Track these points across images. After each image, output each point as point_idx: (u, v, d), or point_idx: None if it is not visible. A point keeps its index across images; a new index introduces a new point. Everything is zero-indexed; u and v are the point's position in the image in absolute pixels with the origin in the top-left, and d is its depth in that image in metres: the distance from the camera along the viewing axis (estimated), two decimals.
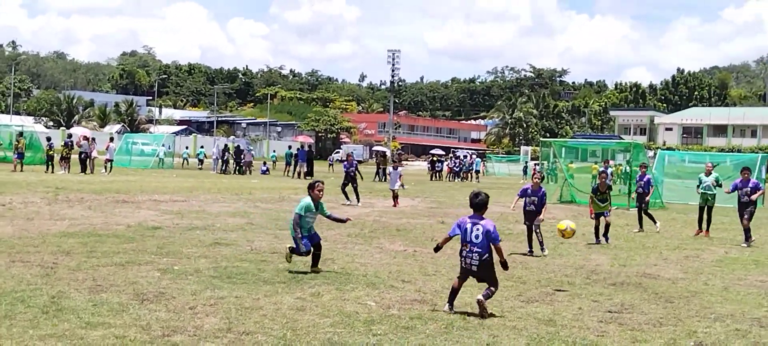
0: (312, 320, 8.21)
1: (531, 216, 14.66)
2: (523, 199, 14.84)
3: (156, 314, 8.15)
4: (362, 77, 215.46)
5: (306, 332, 7.65)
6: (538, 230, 14.55)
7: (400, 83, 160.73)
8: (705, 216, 19.27)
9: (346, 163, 27.35)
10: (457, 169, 56.66)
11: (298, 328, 7.82)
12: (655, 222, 19.85)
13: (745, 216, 17.29)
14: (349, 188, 25.87)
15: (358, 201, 25.25)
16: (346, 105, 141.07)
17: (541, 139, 64.43)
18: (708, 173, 19.63)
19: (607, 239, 16.65)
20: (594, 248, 15.85)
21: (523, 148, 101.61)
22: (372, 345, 7.30)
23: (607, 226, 16.80)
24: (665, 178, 35.95)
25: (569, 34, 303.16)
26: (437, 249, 9.52)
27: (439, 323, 8.29)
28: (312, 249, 11.26)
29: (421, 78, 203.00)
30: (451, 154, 70.08)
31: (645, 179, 20.46)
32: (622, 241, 17.33)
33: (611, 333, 8.15)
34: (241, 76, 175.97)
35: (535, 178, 15.33)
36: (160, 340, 7.12)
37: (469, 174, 57.88)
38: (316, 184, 11.54)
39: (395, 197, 25.33)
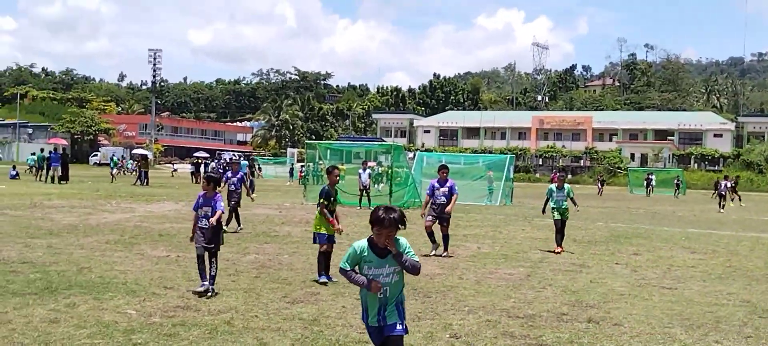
0: (67, 332, 7.77)
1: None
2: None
3: None
4: (122, 77, 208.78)
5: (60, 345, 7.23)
6: (445, 224, 15.41)
7: (162, 83, 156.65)
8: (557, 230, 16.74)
9: None
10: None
11: (52, 341, 7.37)
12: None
13: (445, 223, 15.45)
14: None
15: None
16: (105, 106, 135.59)
17: (307, 141, 65.18)
18: (560, 186, 16.94)
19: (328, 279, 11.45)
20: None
21: (289, 150, 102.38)
22: None
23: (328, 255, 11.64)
24: (423, 178, 37.48)
25: (333, 37, 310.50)
26: None
27: (203, 328, 8.14)
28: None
29: (185, 78, 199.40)
30: (216, 157, 69.12)
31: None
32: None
33: None
34: None
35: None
36: None
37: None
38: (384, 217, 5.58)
39: None
